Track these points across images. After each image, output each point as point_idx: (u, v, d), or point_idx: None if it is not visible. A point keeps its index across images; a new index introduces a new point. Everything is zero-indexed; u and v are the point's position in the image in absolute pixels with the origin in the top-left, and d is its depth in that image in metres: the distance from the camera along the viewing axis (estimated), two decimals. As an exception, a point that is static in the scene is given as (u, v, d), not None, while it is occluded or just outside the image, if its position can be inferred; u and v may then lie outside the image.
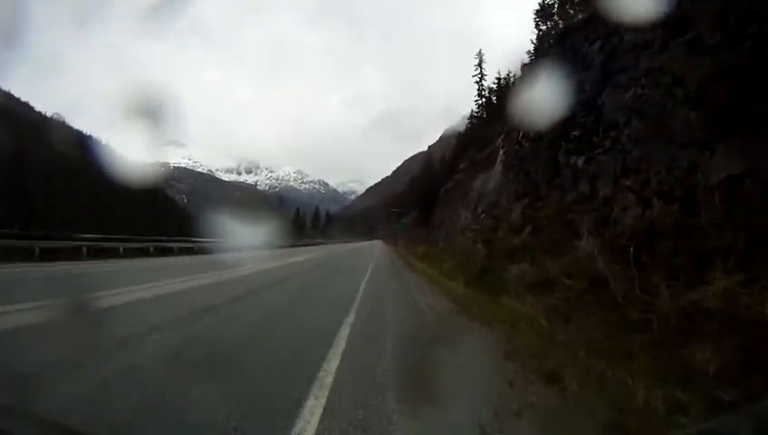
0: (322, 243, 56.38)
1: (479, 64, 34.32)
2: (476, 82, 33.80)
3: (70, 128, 62.71)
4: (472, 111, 34.48)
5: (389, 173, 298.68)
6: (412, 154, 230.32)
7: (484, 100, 33.31)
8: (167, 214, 60.67)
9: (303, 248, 34.09)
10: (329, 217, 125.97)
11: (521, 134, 7.95)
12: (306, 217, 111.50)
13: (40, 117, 62.09)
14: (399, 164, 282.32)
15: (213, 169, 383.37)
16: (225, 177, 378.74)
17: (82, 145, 52.28)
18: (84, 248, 13.24)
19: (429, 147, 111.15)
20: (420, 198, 40.11)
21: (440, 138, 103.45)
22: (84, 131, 60.86)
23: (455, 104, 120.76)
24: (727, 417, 1.53)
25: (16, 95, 64.38)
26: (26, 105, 65.46)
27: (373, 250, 33.02)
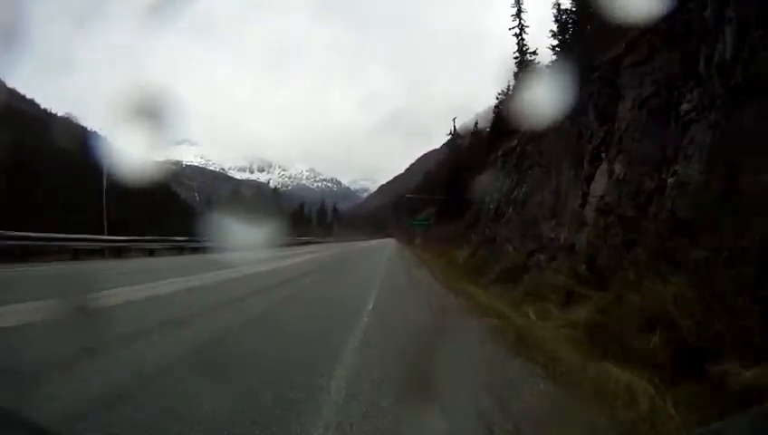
0: (320, 242, 48.82)
1: (518, 14, 27.21)
2: (516, 35, 27.07)
3: (77, 125, 59.42)
4: (515, 64, 27.52)
5: (402, 171, 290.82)
6: (424, 152, 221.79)
7: (526, 56, 26.58)
8: (173, 212, 56.60)
9: (292, 251, 27.55)
10: (336, 213, 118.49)
11: None
12: (311, 213, 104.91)
13: (45, 114, 57.96)
14: (412, 162, 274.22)
15: (225, 168, 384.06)
16: (238, 175, 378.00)
17: (90, 143, 49.53)
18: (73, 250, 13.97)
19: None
20: (446, 185, 33.59)
21: (448, 139, 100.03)
22: (90, 128, 57.37)
23: (467, 102, 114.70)
24: (729, 419, 1.48)
25: (21, 92, 59.89)
26: (31, 102, 60.95)
27: (382, 253, 25.24)
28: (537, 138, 8.96)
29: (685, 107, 4.27)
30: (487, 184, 15.23)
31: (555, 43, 19.26)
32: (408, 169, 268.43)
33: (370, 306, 5.35)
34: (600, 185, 5.25)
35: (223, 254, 13.34)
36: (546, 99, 9.96)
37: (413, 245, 40.13)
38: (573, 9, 17.46)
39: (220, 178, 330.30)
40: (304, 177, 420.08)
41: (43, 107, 59.70)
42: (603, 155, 5.46)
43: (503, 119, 21.52)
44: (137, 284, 6.67)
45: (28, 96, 61.42)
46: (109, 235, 23.58)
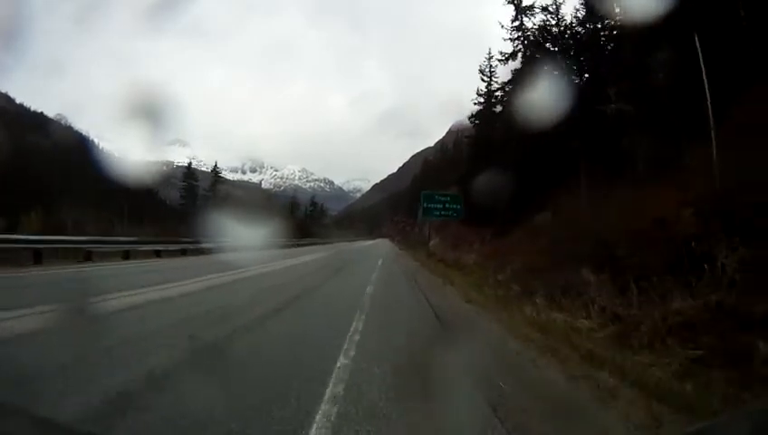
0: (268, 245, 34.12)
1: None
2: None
3: (69, 128, 58.99)
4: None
5: (395, 170, 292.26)
6: (417, 151, 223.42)
7: None
8: (159, 213, 56.59)
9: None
10: (315, 210, 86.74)
11: None
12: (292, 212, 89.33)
13: (35, 116, 57.89)
14: (405, 161, 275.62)
15: (217, 169, 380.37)
16: (230, 176, 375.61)
17: (80, 145, 49.11)
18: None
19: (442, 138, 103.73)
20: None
21: (448, 131, 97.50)
22: (81, 130, 56.98)
23: (460, 100, 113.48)
24: (728, 417, 1.51)
25: (12, 96, 59.35)
26: (21, 106, 60.64)
27: (367, 274, 11.47)
28: None
29: None
30: None
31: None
32: (400, 169, 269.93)
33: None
34: None
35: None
36: None
37: (427, 256, 19.92)
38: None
39: (211, 179, 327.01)
40: (297, 177, 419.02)
41: (18, 102, 58.36)
42: None
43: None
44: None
45: (17, 97, 60.78)
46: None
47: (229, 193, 50.49)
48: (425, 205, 21.37)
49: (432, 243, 23.54)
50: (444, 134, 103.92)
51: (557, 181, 12.73)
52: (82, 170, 43.25)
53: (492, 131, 21.86)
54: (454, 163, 40.38)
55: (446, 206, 21.24)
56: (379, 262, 17.26)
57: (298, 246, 34.44)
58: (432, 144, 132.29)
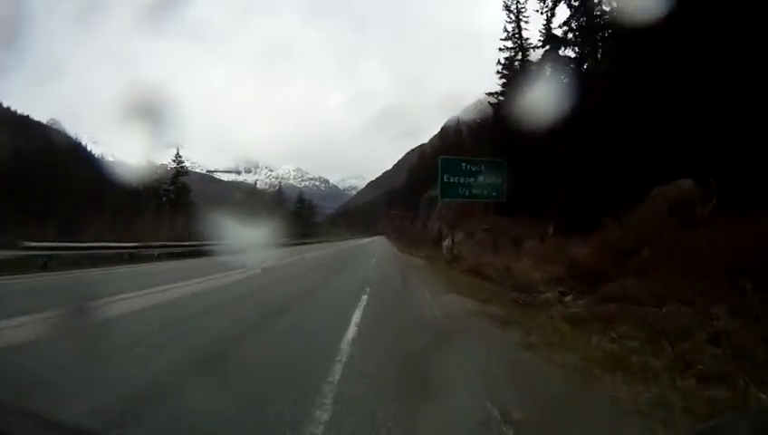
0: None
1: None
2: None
3: (59, 132, 57.01)
4: None
5: (389, 167, 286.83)
6: (411, 148, 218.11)
7: None
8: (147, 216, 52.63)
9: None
10: (303, 205, 74.77)
11: None
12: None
13: (20, 119, 53.63)
14: (400, 158, 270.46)
15: (212, 170, 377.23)
16: (225, 177, 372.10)
17: (69, 149, 47.32)
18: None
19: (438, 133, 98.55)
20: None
21: (442, 128, 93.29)
22: (72, 134, 54.64)
23: (456, 96, 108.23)
24: (728, 418, 1.46)
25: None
26: (7, 110, 55.77)
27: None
28: None
29: None
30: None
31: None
32: (395, 166, 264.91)
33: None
34: None
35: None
36: None
37: (449, 265, 14.05)
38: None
39: (206, 180, 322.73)
40: (292, 176, 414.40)
41: (5, 105, 54.58)
42: None
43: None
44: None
45: (4, 101, 56.58)
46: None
47: (188, 186, 43.95)
48: (445, 178, 13.52)
49: (452, 241, 15.74)
50: (438, 130, 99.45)
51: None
52: (71, 174, 41.53)
53: (525, 88, 15.50)
54: (455, 149, 39.79)
55: (479, 180, 13.14)
56: (362, 302, 7.24)
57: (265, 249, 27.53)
58: (426, 141, 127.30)
